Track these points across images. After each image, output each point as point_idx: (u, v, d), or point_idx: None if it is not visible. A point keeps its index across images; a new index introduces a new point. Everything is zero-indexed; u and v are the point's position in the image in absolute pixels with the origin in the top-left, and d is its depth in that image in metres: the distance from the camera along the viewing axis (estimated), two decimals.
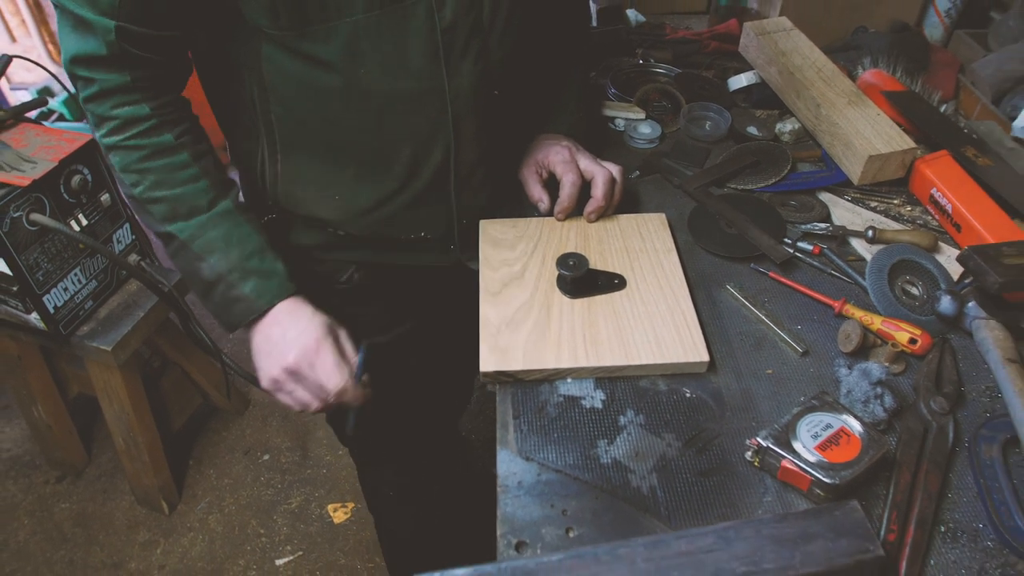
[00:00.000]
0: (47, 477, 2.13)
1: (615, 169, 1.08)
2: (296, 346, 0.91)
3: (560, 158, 1.08)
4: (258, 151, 0.98)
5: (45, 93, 2.79)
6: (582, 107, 1.18)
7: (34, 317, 1.56)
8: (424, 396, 1.40)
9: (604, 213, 1.08)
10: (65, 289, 1.56)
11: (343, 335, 0.97)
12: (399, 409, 1.35)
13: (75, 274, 1.58)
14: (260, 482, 2.15)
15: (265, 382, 0.94)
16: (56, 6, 0.81)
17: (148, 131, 0.87)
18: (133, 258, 1.68)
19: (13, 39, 3.17)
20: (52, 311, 1.54)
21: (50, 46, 3.26)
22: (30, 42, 3.18)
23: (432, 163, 0.97)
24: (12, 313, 1.58)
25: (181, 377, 2.10)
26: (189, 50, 0.92)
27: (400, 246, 1.09)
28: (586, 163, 1.08)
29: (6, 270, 1.48)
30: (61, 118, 2.75)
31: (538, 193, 1.11)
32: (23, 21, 3.17)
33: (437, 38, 0.87)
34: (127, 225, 1.69)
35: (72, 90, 0.89)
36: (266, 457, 2.22)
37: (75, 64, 0.83)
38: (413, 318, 1.25)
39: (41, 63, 1.69)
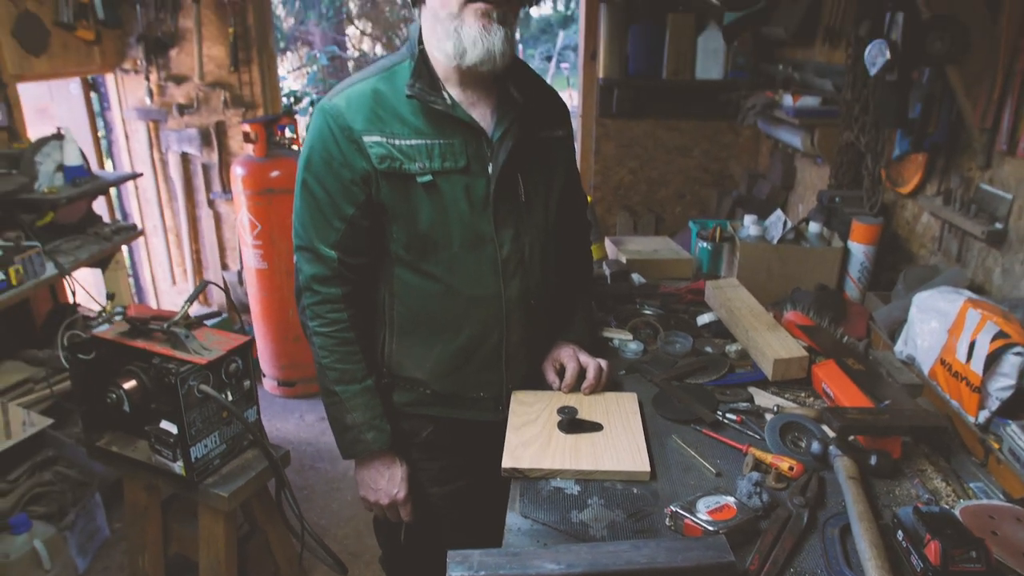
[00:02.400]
0: None
1: (603, 362, 1.63)
2: (384, 493, 1.59)
3: (567, 354, 1.64)
4: (381, 335, 1.58)
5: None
6: (586, 325, 1.76)
7: (177, 465, 2.08)
8: (462, 543, 1.81)
9: (595, 390, 1.60)
10: (205, 446, 2.10)
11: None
12: (439, 549, 1.77)
13: (214, 436, 2.13)
14: None
15: (362, 492, 1.63)
16: (297, 249, 1.49)
17: (342, 330, 1.51)
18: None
19: (174, 281, 4.11)
20: (193, 461, 2.07)
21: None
22: (185, 286, 4.11)
23: (491, 343, 1.55)
24: (160, 461, 2.11)
25: (263, 545, 2.51)
26: (372, 276, 1.56)
27: (466, 404, 1.62)
28: (584, 357, 1.63)
29: (171, 428, 2.05)
30: None
31: (552, 377, 1.65)
32: (185, 270, 4.12)
33: (499, 265, 1.50)
34: (255, 407, 2.27)
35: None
36: None
37: (312, 281, 1.48)
38: (467, 477, 1.73)
39: (221, 287, 2.42)
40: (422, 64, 1.44)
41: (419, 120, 1.43)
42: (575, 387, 1.61)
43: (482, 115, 1.46)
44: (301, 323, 1.56)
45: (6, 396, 2.69)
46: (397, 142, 1.41)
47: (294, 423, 3.70)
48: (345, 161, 1.42)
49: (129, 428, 2.27)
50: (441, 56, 1.40)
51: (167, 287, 4.20)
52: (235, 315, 4.20)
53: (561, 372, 1.64)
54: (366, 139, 1.40)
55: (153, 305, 4.15)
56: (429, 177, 1.42)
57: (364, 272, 1.53)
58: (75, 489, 2.80)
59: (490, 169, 1.46)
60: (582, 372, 1.62)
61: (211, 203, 4.13)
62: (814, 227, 2.31)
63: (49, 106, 4.02)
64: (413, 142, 1.42)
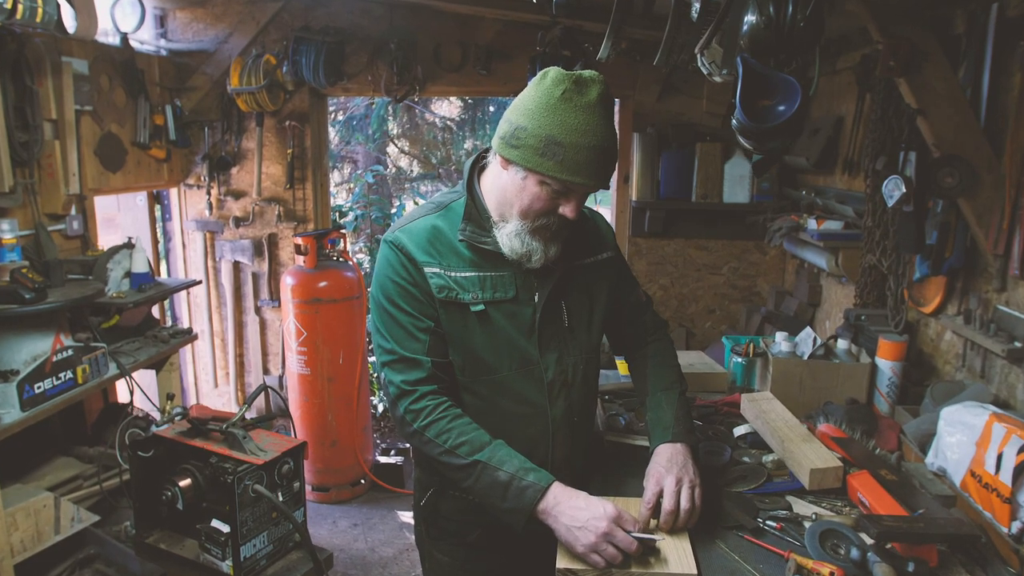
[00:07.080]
0: None
1: (687, 507, 1.50)
2: (594, 523, 1.38)
3: (670, 490, 1.51)
4: None
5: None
6: (686, 421, 1.68)
7: (226, 564, 2.14)
8: None
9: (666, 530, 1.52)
10: (254, 545, 2.17)
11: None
12: None
13: (262, 536, 2.19)
14: None
15: (581, 549, 1.38)
16: (385, 365, 1.59)
17: (449, 408, 1.55)
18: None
19: (216, 384, 4.25)
20: (242, 560, 2.13)
21: (239, 393, 4.32)
22: (227, 388, 4.25)
23: (538, 456, 1.61)
24: (208, 559, 2.17)
25: None
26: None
27: None
28: (671, 494, 1.51)
29: (222, 527, 2.12)
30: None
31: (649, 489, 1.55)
32: (227, 373, 4.28)
33: (544, 386, 1.62)
34: (302, 509, 2.34)
35: None
36: None
37: (405, 384, 1.56)
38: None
39: (277, 391, 2.56)
40: (472, 206, 1.61)
41: (473, 254, 1.59)
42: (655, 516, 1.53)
43: None
44: (405, 435, 1.60)
45: (57, 491, 2.79)
46: (453, 273, 1.57)
47: (327, 528, 3.72)
48: (414, 281, 1.57)
49: (179, 526, 2.34)
50: (504, 248, 1.56)
51: (209, 389, 4.34)
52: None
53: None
54: (426, 270, 1.56)
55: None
56: (481, 306, 1.57)
57: (450, 373, 1.61)
58: None
59: (536, 298, 1.60)
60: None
61: (258, 310, 4.33)
62: (842, 344, 2.41)
63: (116, 216, 4.34)
64: (467, 274, 1.58)
